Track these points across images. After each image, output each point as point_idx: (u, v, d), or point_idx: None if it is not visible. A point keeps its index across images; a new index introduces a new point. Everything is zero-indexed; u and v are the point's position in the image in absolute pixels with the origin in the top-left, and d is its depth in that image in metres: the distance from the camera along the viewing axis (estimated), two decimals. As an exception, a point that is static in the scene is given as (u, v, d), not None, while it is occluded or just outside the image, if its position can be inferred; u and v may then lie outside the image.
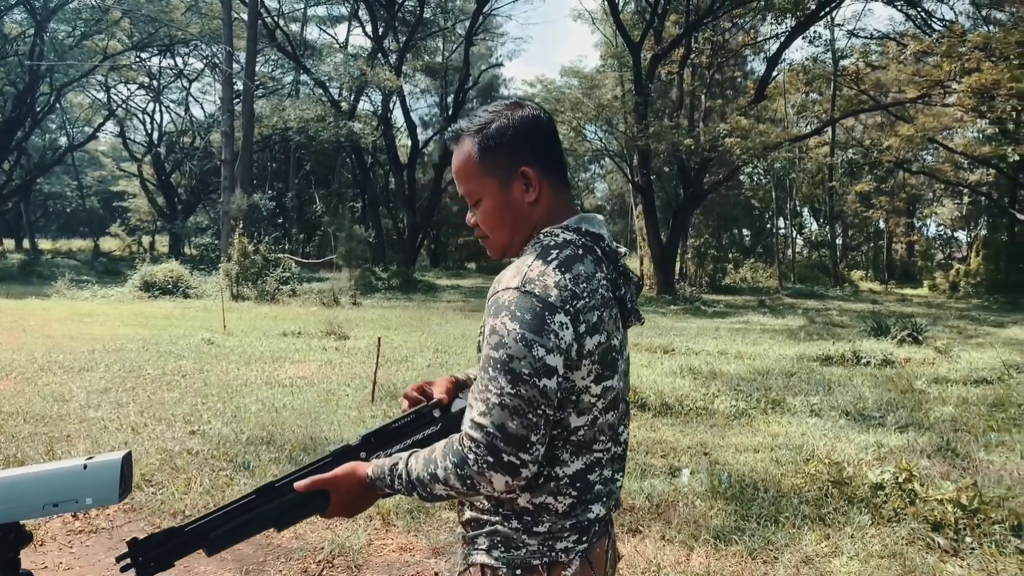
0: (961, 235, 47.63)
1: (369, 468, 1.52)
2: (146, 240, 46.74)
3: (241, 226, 20.51)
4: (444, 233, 49.60)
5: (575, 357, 1.42)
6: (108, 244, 43.92)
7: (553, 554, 1.48)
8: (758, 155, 26.87)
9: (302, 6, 39.14)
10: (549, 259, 1.46)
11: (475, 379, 1.49)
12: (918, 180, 40.97)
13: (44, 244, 48.55)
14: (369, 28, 34.24)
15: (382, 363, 8.61)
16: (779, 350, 11.58)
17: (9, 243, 47.92)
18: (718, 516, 4.47)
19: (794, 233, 45.45)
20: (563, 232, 1.52)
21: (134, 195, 47.95)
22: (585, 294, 1.44)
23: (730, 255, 36.64)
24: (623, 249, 1.61)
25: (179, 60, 38.67)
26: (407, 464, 1.48)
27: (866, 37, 30.80)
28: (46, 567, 3.80)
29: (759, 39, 33.19)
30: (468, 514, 1.56)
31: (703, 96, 32.68)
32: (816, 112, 38.03)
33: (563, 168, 1.62)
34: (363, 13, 35.24)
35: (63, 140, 42.38)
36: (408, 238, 33.32)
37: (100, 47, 32.81)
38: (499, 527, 1.50)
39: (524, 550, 1.48)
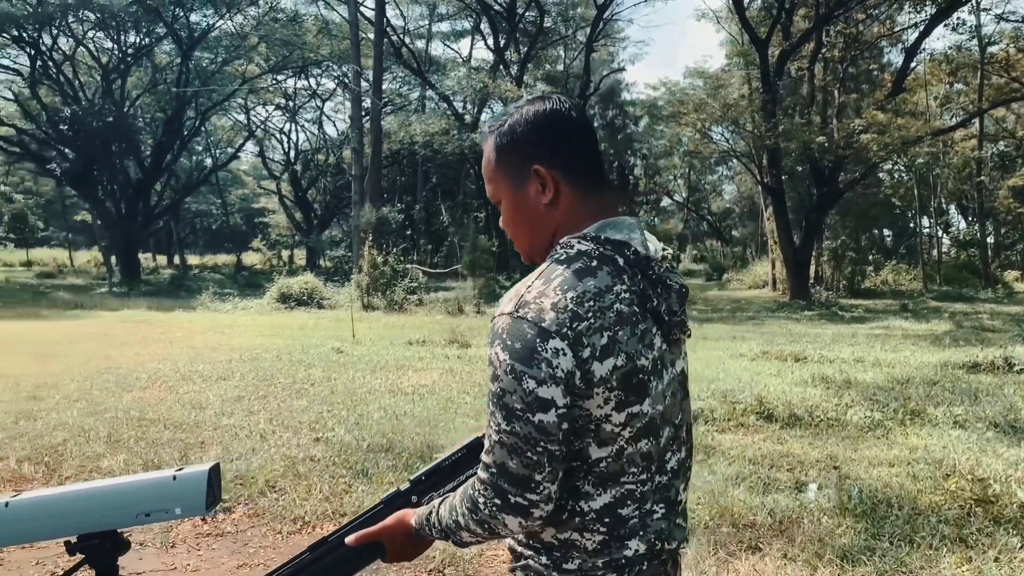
0: None
1: (413, 517, 1.49)
2: (285, 254, 49.01)
3: (371, 238, 21.16)
4: (568, 241, 49.62)
5: (581, 385, 1.28)
6: (250, 258, 46.34)
7: (597, 571, 1.36)
8: (897, 151, 25.50)
9: (426, 23, 40.22)
10: (553, 276, 1.32)
11: None
12: (1079, 172, 37.90)
13: (192, 259, 51.72)
14: (491, 41, 34.76)
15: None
16: (921, 357, 10.89)
17: (161, 259, 51.32)
18: (846, 534, 4.20)
19: (940, 232, 42.85)
20: (579, 242, 1.37)
21: (273, 211, 50.44)
22: (591, 314, 1.28)
23: (870, 257, 34.94)
24: (661, 254, 1.44)
25: (312, 81, 40.46)
26: (438, 512, 1.44)
27: (1017, 21, 28.75)
28: (175, 568, 3.97)
29: (896, 29, 31.55)
30: (509, 543, 1.49)
31: (836, 91, 31.34)
32: (961, 103, 35.80)
33: (592, 167, 1.46)
34: (485, 27, 35.79)
35: (208, 161, 45.06)
36: (532, 247, 33.47)
37: (239, 72, 34.76)
38: (531, 562, 1.41)
39: None
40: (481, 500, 1.33)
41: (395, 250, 22.17)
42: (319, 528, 4.47)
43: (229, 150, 45.69)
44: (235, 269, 41.06)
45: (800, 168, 32.15)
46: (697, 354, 11.28)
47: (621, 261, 1.36)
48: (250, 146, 45.57)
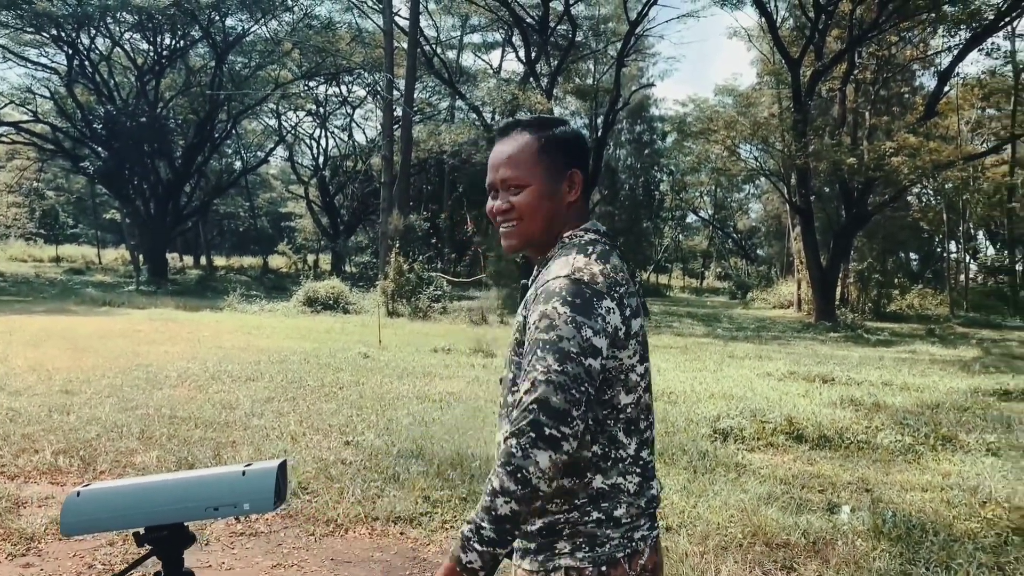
0: None
1: (446, 560, 1.51)
2: (310, 258, 49.30)
3: (397, 246, 21.26)
4: (593, 254, 49.56)
5: (623, 338, 1.55)
6: (276, 261, 46.67)
7: (632, 544, 1.57)
8: (928, 175, 25.31)
9: (459, 34, 40.44)
10: (589, 253, 1.60)
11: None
12: (1113, 201, 37.36)
13: (219, 261, 52.15)
14: (522, 53, 34.84)
15: (529, 382, 8.64)
16: (950, 383, 10.78)
17: (188, 259, 51.77)
18: (881, 558, 4.17)
19: (967, 258, 42.38)
20: (586, 233, 1.67)
21: (300, 216, 50.79)
22: (623, 282, 1.58)
23: (896, 280, 34.55)
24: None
25: (343, 88, 40.71)
26: (466, 522, 1.48)
27: (1052, 47, 28.48)
28: (210, 566, 4.01)
29: (929, 53, 31.35)
30: (539, 523, 1.59)
31: (867, 113, 31.18)
32: (994, 129, 35.50)
33: (591, 184, 1.73)
34: (517, 39, 35.92)
35: (238, 164, 45.40)
36: (556, 258, 33.50)
37: (272, 77, 35.05)
38: (580, 527, 1.55)
39: (607, 545, 1.55)
40: (514, 443, 1.42)
41: (421, 258, 22.26)
42: (352, 531, 4.50)
43: (259, 154, 46.04)
44: (261, 272, 41.38)
45: (829, 189, 32.00)
46: (725, 372, 11.23)
47: (619, 249, 1.68)
48: (280, 150, 45.91)
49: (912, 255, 50.45)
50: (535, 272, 1.75)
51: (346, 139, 45.51)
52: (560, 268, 1.56)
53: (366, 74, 36.14)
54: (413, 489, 5.09)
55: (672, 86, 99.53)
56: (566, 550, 1.55)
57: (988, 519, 4.70)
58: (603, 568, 1.53)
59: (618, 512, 1.56)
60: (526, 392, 1.44)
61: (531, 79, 32.49)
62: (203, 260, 48.06)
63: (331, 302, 20.92)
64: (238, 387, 8.62)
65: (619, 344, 1.54)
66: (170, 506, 1.54)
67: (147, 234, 33.61)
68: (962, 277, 40.21)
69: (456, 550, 1.47)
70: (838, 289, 28.47)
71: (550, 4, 31.65)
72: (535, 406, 1.42)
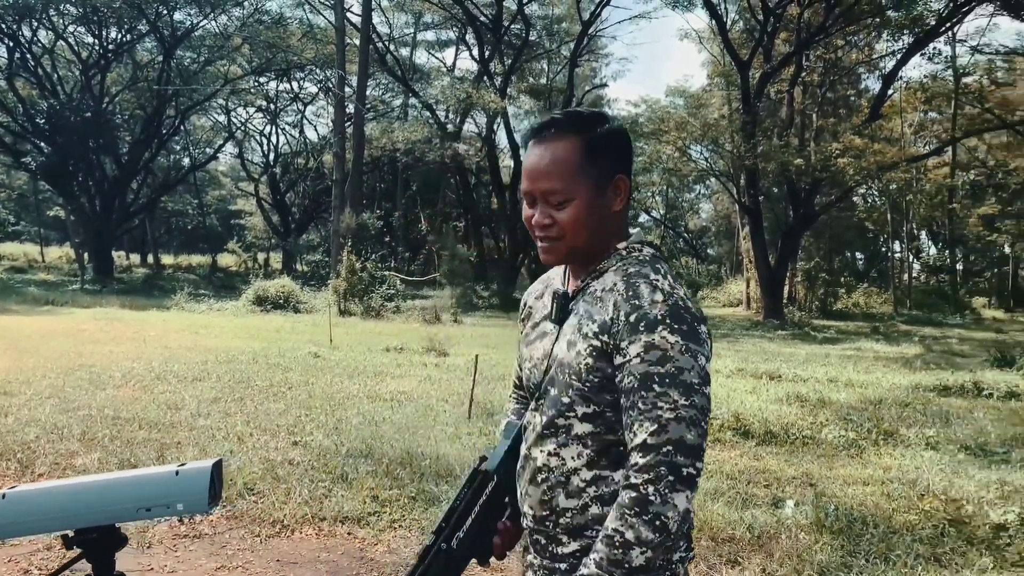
0: (1097, 261, 44.57)
1: None
2: (261, 257, 48.58)
3: (350, 244, 21.08)
4: (546, 253, 49.67)
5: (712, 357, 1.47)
6: (225, 260, 45.89)
7: (672, 567, 1.45)
8: (872, 176, 25.88)
9: (412, 31, 40.21)
10: (664, 273, 1.48)
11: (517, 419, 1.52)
12: (1048, 202, 38.63)
13: (166, 259, 51.11)
14: (476, 52, 34.81)
15: (480, 380, 8.63)
16: (893, 379, 11.04)
17: (135, 258, 50.66)
18: (823, 550, 4.25)
19: (911, 257, 43.45)
20: (643, 247, 1.55)
21: (250, 213, 50.00)
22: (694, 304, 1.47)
23: (842, 279, 35.28)
24: None
25: (295, 84, 40.19)
26: (589, 566, 1.38)
27: (991, 53, 29.32)
28: (152, 569, 3.92)
29: (874, 56, 32.06)
30: (574, 546, 1.50)
31: (814, 115, 31.78)
32: (935, 131, 36.43)
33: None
34: (470, 37, 35.86)
35: (186, 161, 44.52)
36: (509, 257, 33.57)
37: (222, 72, 34.44)
38: None
39: None
40: (651, 488, 1.34)
41: (373, 256, 22.10)
42: (298, 532, 4.45)
43: (208, 150, 45.22)
44: (210, 270, 40.64)
45: (777, 189, 32.53)
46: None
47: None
48: (229, 147, 45.09)
49: (858, 254, 51.59)
50: (569, 279, 1.63)
51: (297, 136, 44.96)
52: (650, 292, 1.42)
53: (318, 70, 35.69)
54: (361, 489, 5.05)
55: (625, 86, 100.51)
56: None
57: (926, 511, 4.82)
58: None
59: None
60: (653, 433, 1.35)
61: (485, 78, 32.48)
62: (150, 258, 47.06)
63: (281, 301, 20.66)
64: (184, 387, 8.47)
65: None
66: (100, 507, 1.50)
67: (92, 232, 32.80)
68: (906, 276, 41.23)
69: None
70: (786, 288, 28.96)
71: (503, 3, 31.66)
72: (670, 448, 1.34)
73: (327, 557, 4.15)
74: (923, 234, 47.50)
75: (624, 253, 1.53)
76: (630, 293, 1.44)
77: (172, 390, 8.29)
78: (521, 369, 1.72)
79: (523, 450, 1.59)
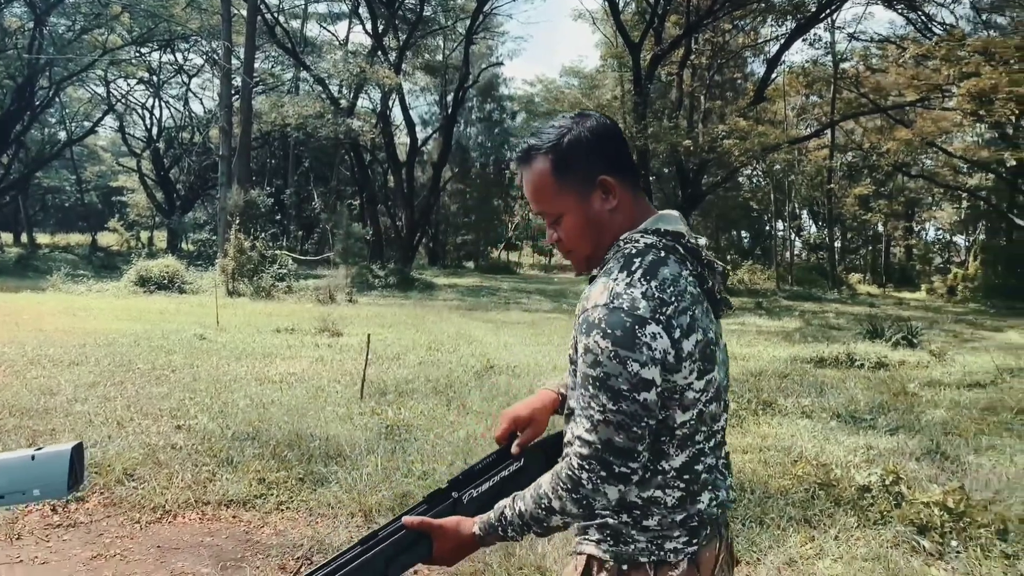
0: (960, 239, 47.70)
1: (476, 526, 1.54)
2: (144, 235, 46.67)
3: (238, 222, 20.45)
4: (442, 231, 49.59)
5: (674, 361, 1.43)
6: (106, 239, 43.89)
7: (661, 553, 1.50)
8: (757, 157, 26.92)
9: (302, 3, 39.15)
10: (633, 269, 1.46)
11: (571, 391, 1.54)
12: (917, 184, 41.02)
13: (42, 238, 48.50)
14: (369, 26, 34.19)
15: (374, 360, 8.58)
16: (773, 352, 11.55)
17: (7, 237, 47.79)
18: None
19: (793, 236, 45.43)
20: (642, 236, 1.52)
21: (133, 190, 47.86)
22: (673, 298, 1.44)
23: (728, 257, 36.63)
24: (703, 240, 1.60)
25: (179, 55, 38.59)
26: (515, 508, 1.51)
27: (867, 40, 30.84)
28: (21, 560, 3.76)
29: (759, 41, 33.21)
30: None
31: (702, 97, 32.69)
32: (816, 115, 38.08)
33: (636, 171, 1.63)
34: (363, 11, 35.19)
35: (62, 134, 42.26)
36: (406, 236, 33.31)
37: (100, 41, 32.70)
38: (609, 520, 1.53)
39: (632, 546, 1.51)
40: (584, 475, 1.42)
41: (263, 235, 21.51)
42: (181, 517, 4.33)
43: (86, 124, 42.99)
44: (90, 250, 38.70)
45: (667, 170, 33.40)
46: (555, 343, 11.54)
47: (681, 250, 1.52)
48: (109, 121, 42.93)
49: (744, 233, 53.57)
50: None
51: (182, 109, 43.24)
52: (599, 294, 1.45)
53: (203, 41, 34.38)
54: (247, 472, 4.95)
55: (521, 65, 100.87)
56: (593, 538, 1.55)
57: (799, 476, 5.08)
58: (624, 567, 1.51)
59: (647, 522, 1.51)
60: (587, 431, 1.42)
61: (379, 53, 31.96)
62: (24, 238, 44.53)
63: (166, 282, 19.87)
64: (60, 372, 8.08)
65: (671, 368, 1.43)
66: (-53, 495, 1.43)
67: (-43, 209, 30.81)
68: (788, 254, 43.04)
69: (481, 531, 1.53)
70: (676, 265, 29.81)
71: (397, -23, 31.20)
72: (600, 447, 1.41)
73: (211, 541, 4.06)
74: (804, 213, 49.71)
75: (621, 243, 1.54)
76: (586, 293, 1.50)
77: (47, 375, 7.88)
78: None
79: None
